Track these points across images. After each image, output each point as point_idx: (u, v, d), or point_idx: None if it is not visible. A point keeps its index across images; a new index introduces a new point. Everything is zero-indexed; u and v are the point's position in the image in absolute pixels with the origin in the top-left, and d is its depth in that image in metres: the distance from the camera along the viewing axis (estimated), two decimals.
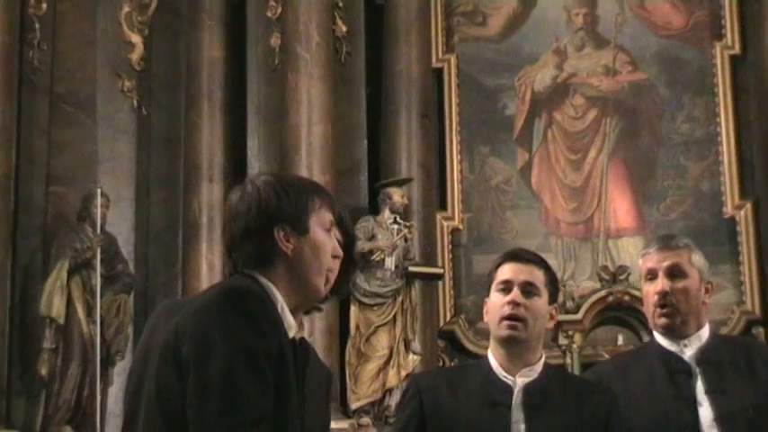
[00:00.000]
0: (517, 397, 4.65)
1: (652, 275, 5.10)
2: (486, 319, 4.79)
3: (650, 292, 5.09)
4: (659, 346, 5.14)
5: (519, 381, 4.66)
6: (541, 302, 4.68)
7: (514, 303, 4.61)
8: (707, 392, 4.98)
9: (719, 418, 4.95)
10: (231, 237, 3.77)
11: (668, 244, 5.25)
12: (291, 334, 3.70)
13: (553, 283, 4.80)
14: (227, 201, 3.98)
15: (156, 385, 3.57)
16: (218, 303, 3.57)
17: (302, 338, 3.78)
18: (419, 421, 4.75)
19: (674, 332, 5.07)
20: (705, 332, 5.08)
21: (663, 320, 5.04)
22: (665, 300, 5.03)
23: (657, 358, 5.14)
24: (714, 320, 11.14)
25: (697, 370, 5.03)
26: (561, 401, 4.70)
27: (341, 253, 3.82)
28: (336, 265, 3.82)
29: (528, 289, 4.65)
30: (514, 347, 4.67)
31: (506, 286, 4.66)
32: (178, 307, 3.80)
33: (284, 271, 3.72)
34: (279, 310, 3.69)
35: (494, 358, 4.77)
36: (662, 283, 5.03)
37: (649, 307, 5.12)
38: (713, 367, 5.05)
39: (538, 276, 4.71)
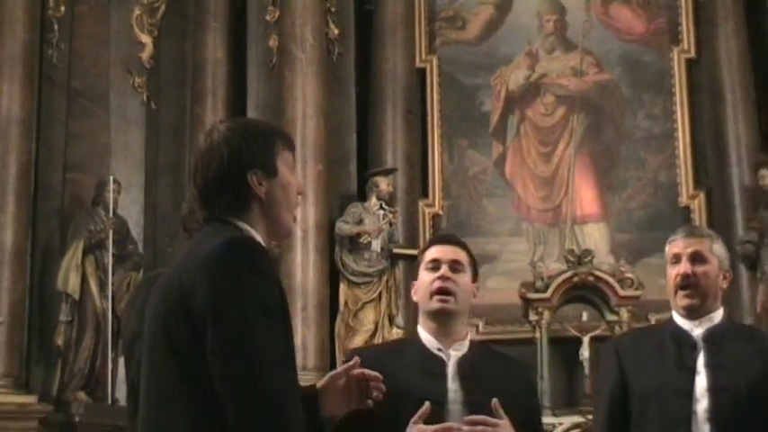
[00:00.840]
0: (451, 369, 4.65)
1: (676, 260, 5.13)
2: (415, 298, 4.82)
3: (673, 274, 5.13)
4: (674, 323, 5.20)
5: (452, 354, 4.68)
6: (467, 279, 4.72)
7: (444, 278, 4.65)
8: (706, 365, 5.03)
9: (712, 389, 4.99)
10: (205, 184, 3.71)
11: (693, 232, 5.35)
12: None
13: (474, 264, 4.83)
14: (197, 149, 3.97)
15: (166, 339, 3.52)
16: (225, 256, 3.51)
17: None
18: None
19: (692, 312, 5.12)
20: (718, 315, 5.13)
21: (684, 301, 5.10)
22: (686, 281, 5.07)
23: (670, 333, 5.21)
24: (660, 305, 11.33)
25: (702, 345, 5.10)
26: (489, 373, 4.68)
27: (303, 188, 3.75)
28: (299, 201, 3.84)
29: (455, 266, 4.69)
30: (445, 319, 4.70)
31: (435, 265, 4.70)
32: (171, 270, 3.76)
33: (259, 213, 3.71)
34: None
35: (425, 333, 4.79)
36: (684, 266, 5.06)
37: (672, 288, 5.16)
38: (717, 345, 5.09)
39: (462, 256, 4.75)
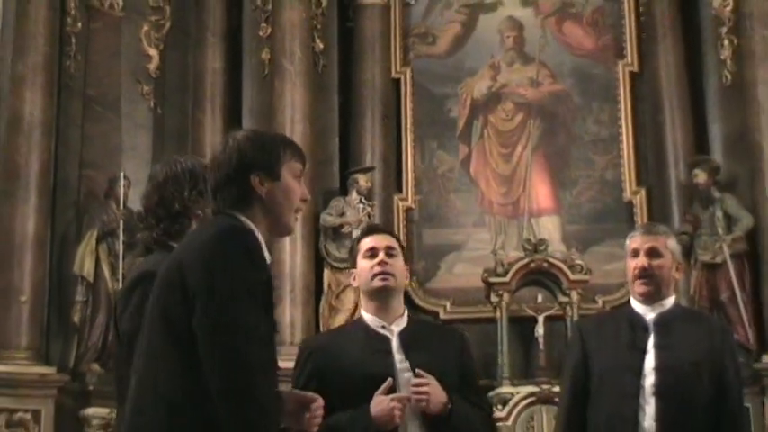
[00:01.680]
0: (395, 343, 4.73)
1: (635, 254, 5.31)
2: (355, 284, 4.96)
3: (632, 266, 5.32)
4: (631, 308, 5.39)
5: (394, 329, 4.76)
6: (400, 262, 4.84)
7: (383, 262, 4.75)
8: (655, 346, 5.19)
9: (659, 367, 5.14)
10: (215, 182, 3.81)
11: (650, 230, 5.53)
12: (267, 262, 3.79)
13: (403, 249, 4.96)
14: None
15: (161, 310, 3.60)
16: (219, 240, 3.60)
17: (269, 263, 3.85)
18: (317, 378, 4.71)
19: (647, 299, 5.30)
20: (670, 301, 5.30)
21: (641, 288, 5.29)
22: (643, 273, 5.26)
23: (626, 317, 5.39)
24: (614, 283, 11.74)
25: (653, 328, 5.26)
26: (427, 341, 4.81)
27: (308, 196, 3.88)
28: (303, 206, 3.89)
29: (390, 252, 4.80)
30: (386, 297, 4.78)
31: (372, 252, 4.82)
32: (171, 256, 3.86)
33: (260, 211, 3.77)
34: (260, 243, 3.77)
35: (368, 314, 4.85)
36: (642, 260, 5.26)
37: (631, 277, 5.36)
38: (666, 328, 5.25)
39: (394, 243, 4.88)
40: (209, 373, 3.47)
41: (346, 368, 4.63)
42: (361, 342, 4.75)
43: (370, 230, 5.28)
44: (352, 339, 4.82)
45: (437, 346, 4.85)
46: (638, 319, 5.30)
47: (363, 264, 4.83)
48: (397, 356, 4.70)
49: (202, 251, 3.59)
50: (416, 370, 4.63)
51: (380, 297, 4.80)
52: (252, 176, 3.75)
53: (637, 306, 5.35)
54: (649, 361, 5.18)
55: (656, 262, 5.25)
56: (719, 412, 5.21)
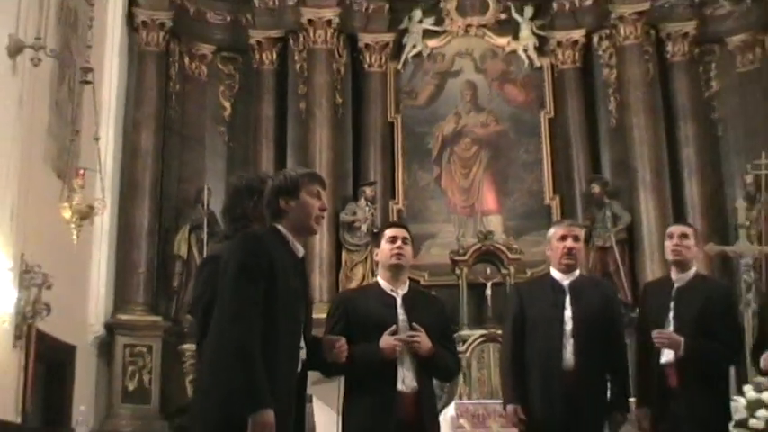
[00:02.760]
0: (399, 302, 4.82)
1: (563, 239, 5.39)
2: (377, 258, 5.03)
3: (561, 246, 5.39)
4: (552, 276, 5.47)
5: (399, 293, 4.85)
6: (410, 248, 4.92)
7: (400, 247, 4.85)
8: (570, 303, 5.31)
9: (573, 317, 5.26)
10: (266, 203, 3.96)
11: (573, 223, 5.84)
12: (300, 254, 3.92)
13: (412, 239, 5.00)
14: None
15: (206, 283, 3.92)
16: (238, 240, 3.82)
17: (303, 257, 3.96)
18: (346, 320, 4.76)
19: (568, 269, 5.39)
20: (577, 272, 5.42)
21: (568, 262, 5.38)
22: (571, 252, 5.38)
23: (550, 282, 5.44)
24: (538, 260, 11.13)
25: (568, 291, 5.37)
26: (420, 303, 4.91)
27: (326, 206, 3.99)
28: (324, 213, 3.98)
29: (405, 240, 4.88)
30: (397, 270, 4.88)
31: (393, 239, 4.89)
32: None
33: (288, 221, 3.88)
34: (289, 242, 3.87)
35: (383, 280, 4.92)
36: (570, 243, 5.37)
37: (558, 254, 5.39)
38: (577, 290, 5.37)
39: (407, 234, 4.95)
40: (216, 317, 3.66)
41: (365, 315, 4.74)
42: (377, 298, 4.85)
43: (392, 224, 5.51)
44: (370, 296, 4.91)
45: (427, 308, 4.90)
46: (558, 284, 5.40)
47: (385, 246, 4.91)
48: (400, 311, 4.78)
49: (228, 248, 3.85)
50: (413, 324, 4.72)
51: (394, 270, 4.88)
52: (280, 199, 3.91)
53: (556, 274, 5.44)
54: (567, 314, 5.29)
55: (577, 245, 5.41)
56: (611, 346, 5.29)
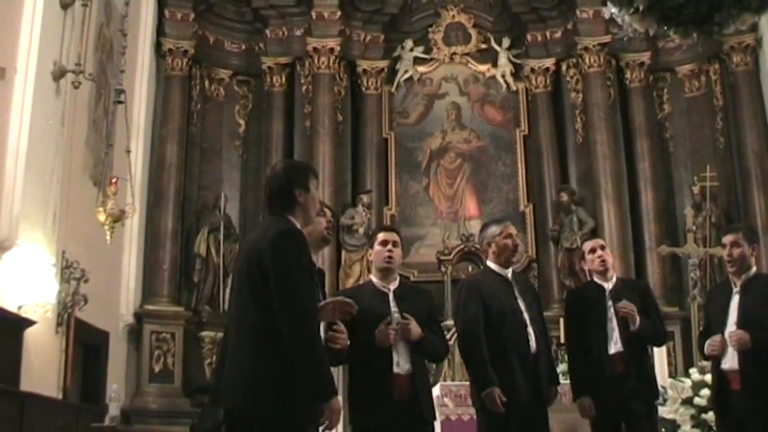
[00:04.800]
0: (391, 296, 4.83)
1: (510, 237, 5.31)
2: (370, 259, 5.00)
3: (508, 244, 5.30)
4: (493, 270, 5.35)
5: (391, 288, 4.86)
6: (399, 251, 4.93)
7: (390, 251, 4.85)
8: (518, 294, 5.26)
9: (525, 305, 5.22)
10: (271, 194, 3.79)
11: (510, 225, 5.53)
12: None
13: (402, 243, 5.01)
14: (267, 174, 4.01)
15: (246, 278, 3.57)
16: (282, 237, 3.58)
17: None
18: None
19: (508, 265, 5.33)
20: (515, 267, 5.45)
21: (514, 258, 5.36)
22: (515, 249, 5.34)
23: (494, 276, 5.30)
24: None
25: (513, 282, 5.31)
26: (410, 296, 4.90)
27: (323, 200, 3.95)
28: (320, 207, 3.96)
29: (395, 244, 4.88)
30: (388, 272, 4.89)
31: (384, 243, 4.88)
32: (250, 241, 3.79)
33: (299, 212, 3.74)
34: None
35: (376, 279, 4.93)
36: (514, 240, 5.35)
37: (505, 250, 5.29)
38: (517, 281, 5.35)
39: (397, 238, 4.94)
40: (280, 318, 3.46)
41: (361, 309, 4.43)
42: (371, 295, 4.82)
43: (384, 228, 5.47)
44: (366, 293, 4.86)
45: (416, 300, 4.89)
46: (502, 277, 5.32)
47: (378, 248, 4.88)
48: (392, 304, 4.78)
49: (272, 245, 3.55)
50: (403, 314, 4.73)
51: (384, 271, 4.88)
52: (295, 190, 3.73)
53: (496, 268, 5.33)
54: (520, 304, 5.24)
55: (518, 242, 5.41)
56: (541, 327, 5.30)
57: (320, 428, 3.54)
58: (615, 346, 5.51)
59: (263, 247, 3.57)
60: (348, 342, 4.18)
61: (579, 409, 5.59)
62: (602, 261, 5.62)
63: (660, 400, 6.10)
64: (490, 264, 5.38)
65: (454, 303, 5.61)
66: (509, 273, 5.36)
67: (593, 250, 5.71)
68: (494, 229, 5.39)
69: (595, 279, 5.75)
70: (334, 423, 3.49)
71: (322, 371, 3.46)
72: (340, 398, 3.55)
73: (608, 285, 5.67)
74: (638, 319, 5.44)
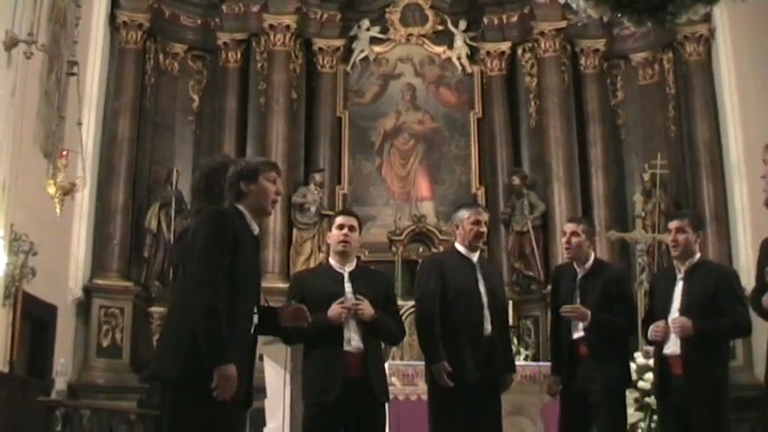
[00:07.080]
0: (347, 278, 4.91)
1: (477, 222, 5.35)
2: (329, 242, 5.10)
3: (475, 228, 5.35)
4: (459, 252, 5.43)
5: (347, 269, 4.95)
6: (356, 235, 5.01)
7: (345, 235, 4.94)
8: (482, 276, 5.33)
9: (484, 286, 5.27)
10: (226, 184, 3.92)
11: (483, 209, 5.66)
12: (255, 232, 3.88)
13: (360, 226, 5.08)
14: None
15: (185, 257, 3.70)
16: (207, 215, 3.74)
17: (258, 234, 3.93)
18: (301, 295, 4.76)
19: (474, 249, 5.38)
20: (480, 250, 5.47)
21: (478, 242, 5.40)
22: (480, 235, 5.37)
23: (459, 257, 5.37)
24: None
25: (477, 265, 5.37)
26: (365, 278, 4.98)
27: (282, 191, 3.96)
28: (279, 197, 3.97)
29: (351, 228, 4.96)
30: (345, 255, 4.97)
31: (341, 226, 4.97)
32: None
33: (247, 200, 3.85)
34: (247, 219, 3.84)
35: (333, 261, 5.02)
36: (483, 227, 5.38)
37: (470, 234, 5.36)
38: (481, 264, 5.42)
39: (355, 222, 5.02)
40: (185, 280, 3.63)
41: (316, 290, 4.80)
42: (327, 276, 4.94)
43: (343, 212, 5.57)
44: (321, 274, 5.02)
45: (371, 282, 4.97)
46: (467, 259, 5.39)
47: (335, 232, 4.99)
48: (347, 285, 4.86)
49: (200, 220, 3.77)
50: (356, 295, 4.81)
51: (341, 254, 4.97)
52: (241, 182, 3.89)
53: (463, 250, 5.41)
54: (480, 284, 5.31)
55: (486, 228, 5.45)
56: (506, 317, 5.56)
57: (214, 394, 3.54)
58: (577, 332, 5.54)
59: (194, 224, 3.80)
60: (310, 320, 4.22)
61: (547, 386, 5.74)
62: (568, 246, 5.64)
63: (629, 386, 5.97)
64: (457, 245, 5.45)
65: (417, 278, 5.62)
66: (475, 256, 5.42)
67: (563, 233, 5.77)
68: (464, 213, 5.45)
69: (574, 264, 5.74)
70: (225, 390, 3.49)
71: (212, 334, 3.48)
72: (234, 367, 3.54)
73: (581, 271, 5.65)
74: (587, 318, 5.41)
